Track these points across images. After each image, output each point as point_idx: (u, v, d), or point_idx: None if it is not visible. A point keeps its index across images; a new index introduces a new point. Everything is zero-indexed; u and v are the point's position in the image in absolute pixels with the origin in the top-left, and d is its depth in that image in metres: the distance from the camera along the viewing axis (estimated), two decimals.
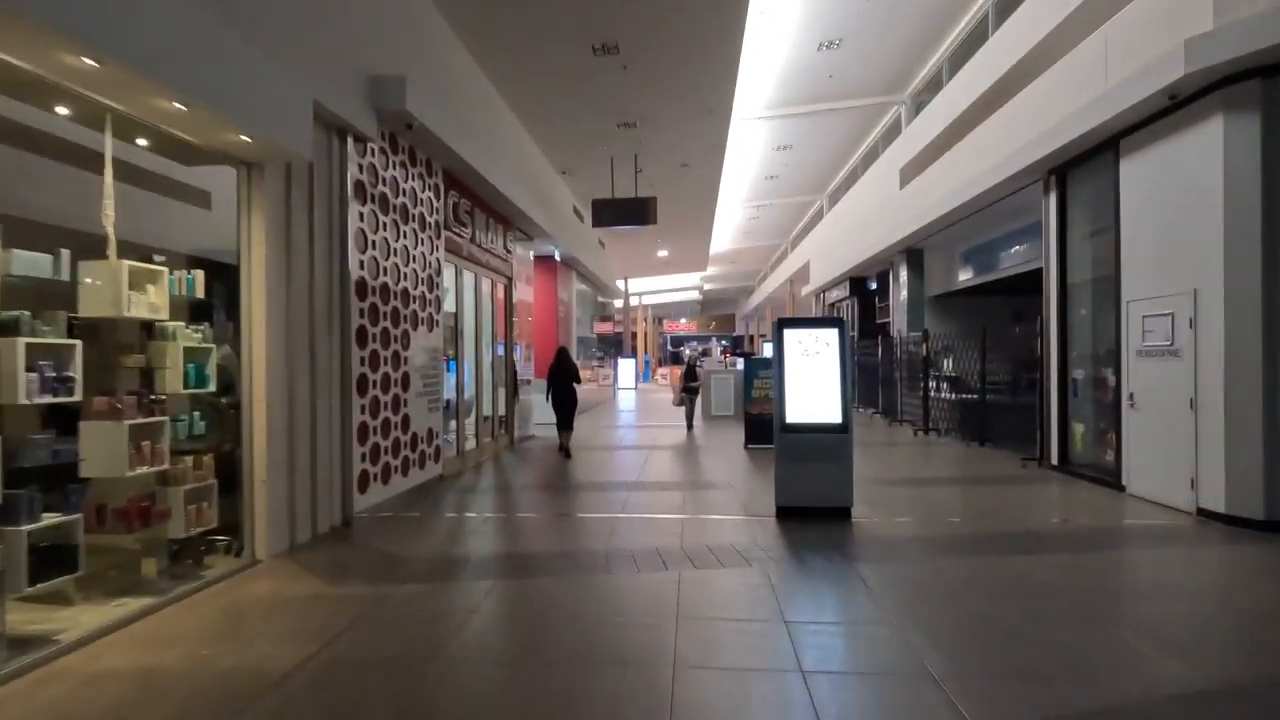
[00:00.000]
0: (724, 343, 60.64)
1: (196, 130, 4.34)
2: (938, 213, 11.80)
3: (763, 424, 10.56)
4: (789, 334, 6.25)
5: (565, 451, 10.65)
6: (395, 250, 6.88)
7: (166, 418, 4.26)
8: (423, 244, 7.56)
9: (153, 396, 4.21)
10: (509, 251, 10.94)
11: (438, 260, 7.98)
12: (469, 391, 9.45)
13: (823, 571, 4.62)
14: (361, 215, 6.22)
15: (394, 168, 6.90)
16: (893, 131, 15.81)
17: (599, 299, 24.60)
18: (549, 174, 13.83)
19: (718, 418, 15.51)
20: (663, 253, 25.94)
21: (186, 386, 4.42)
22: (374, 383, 6.42)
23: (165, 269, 4.27)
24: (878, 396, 15.87)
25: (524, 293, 12.41)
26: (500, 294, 10.89)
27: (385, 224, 6.68)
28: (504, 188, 9.40)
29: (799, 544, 5.25)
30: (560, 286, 15.00)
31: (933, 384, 12.76)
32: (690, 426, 12.86)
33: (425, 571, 4.69)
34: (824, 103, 14.50)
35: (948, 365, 13.26)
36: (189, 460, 4.46)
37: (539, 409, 14.16)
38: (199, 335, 4.57)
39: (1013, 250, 11.96)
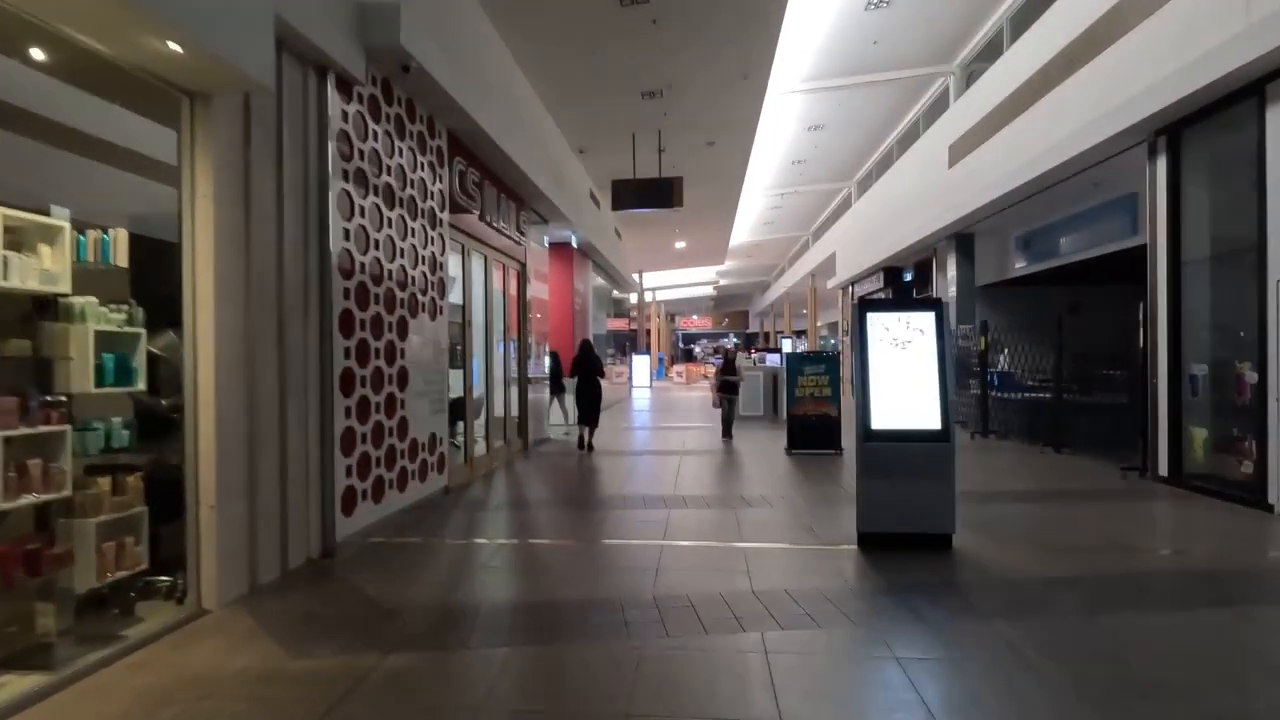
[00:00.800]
0: (734, 340, 59.62)
1: (110, 35, 3.19)
2: (999, 191, 10.55)
3: (808, 427, 9.39)
4: (873, 319, 5.05)
5: (588, 447, 9.75)
6: (389, 220, 5.73)
7: (68, 426, 3.13)
8: (423, 215, 6.41)
9: (48, 398, 3.08)
10: (522, 234, 9.79)
11: (441, 237, 6.83)
12: (478, 390, 8.31)
13: (954, 634, 3.43)
14: (347, 174, 5.07)
15: (388, 121, 5.75)
16: (937, 107, 14.55)
17: (613, 294, 23.43)
18: (565, 152, 12.66)
19: (746, 419, 14.30)
20: (680, 244, 24.75)
21: (101, 384, 3.29)
22: (363, 380, 5.27)
23: (65, 224, 3.14)
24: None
25: (538, 282, 11.26)
26: (513, 282, 9.74)
27: (377, 187, 5.54)
28: (517, 157, 8.24)
29: (903, 587, 4.06)
30: (577, 277, 13.86)
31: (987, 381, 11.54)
32: (728, 433, 11.09)
33: (420, 632, 3.52)
34: (865, 74, 13.26)
35: (1003, 360, 12.03)
36: (103, 483, 3.33)
37: (556, 407, 13.04)
38: (121, 316, 3.43)
39: (1079, 233, 10.71)
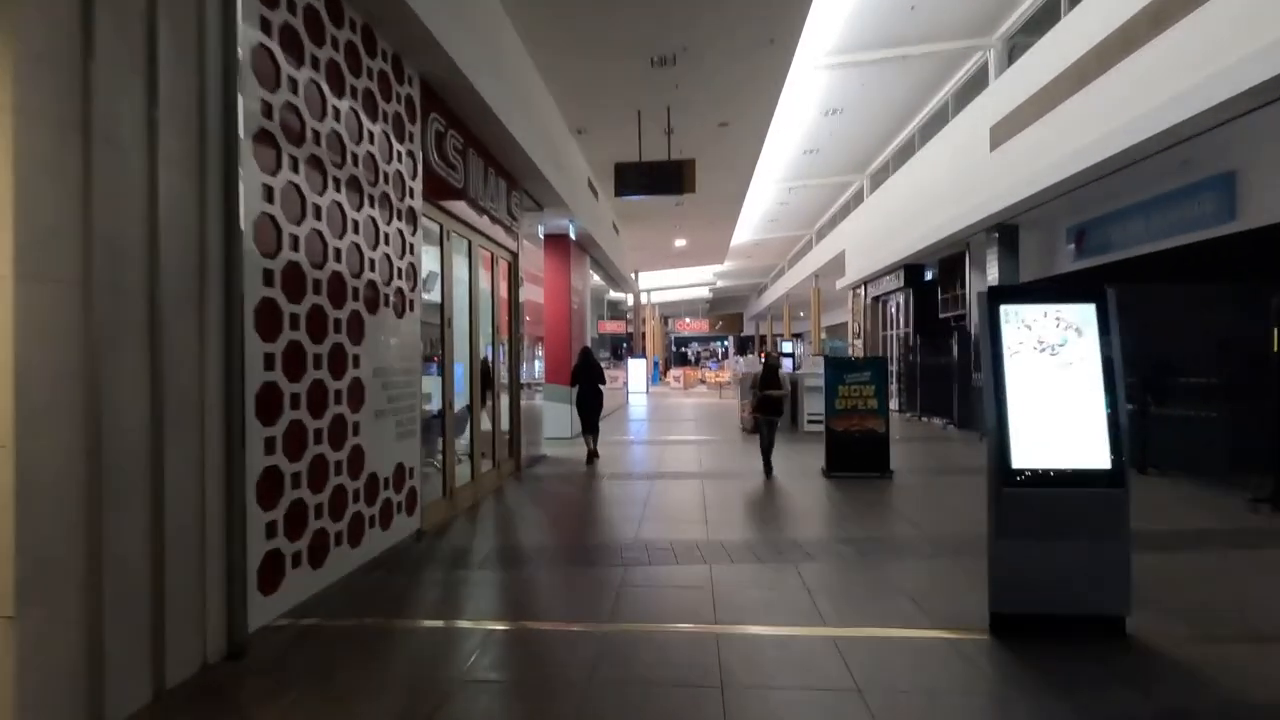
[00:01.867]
0: (725, 344, 58.31)
1: None
2: (1058, 175, 9.25)
3: (850, 445, 7.97)
4: (1009, 313, 3.64)
5: (593, 455, 9.00)
6: (337, 183, 4.27)
7: None
8: (387, 182, 4.95)
9: None
10: (514, 219, 8.33)
11: (411, 212, 5.37)
12: (462, 402, 6.85)
13: None
14: (269, 109, 3.61)
15: (335, 47, 4.29)
16: (970, 88, 13.24)
17: (607, 296, 21.92)
18: (562, 132, 11.21)
19: None
20: (680, 242, 23.36)
21: None
22: (294, 399, 3.79)
23: None
24: (951, 404, 13.29)
25: (532, 285, 9.80)
26: (504, 275, 8.29)
27: (319, 135, 4.06)
28: (509, 122, 6.80)
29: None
30: (574, 273, 12.40)
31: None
32: (769, 469, 8.08)
33: None
34: (897, 47, 11.93)
35: None
36: None
37: (552, 419, 11.59)
38: None
39: (1152, 220, 9.40)
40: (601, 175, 13.16)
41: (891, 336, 18.61)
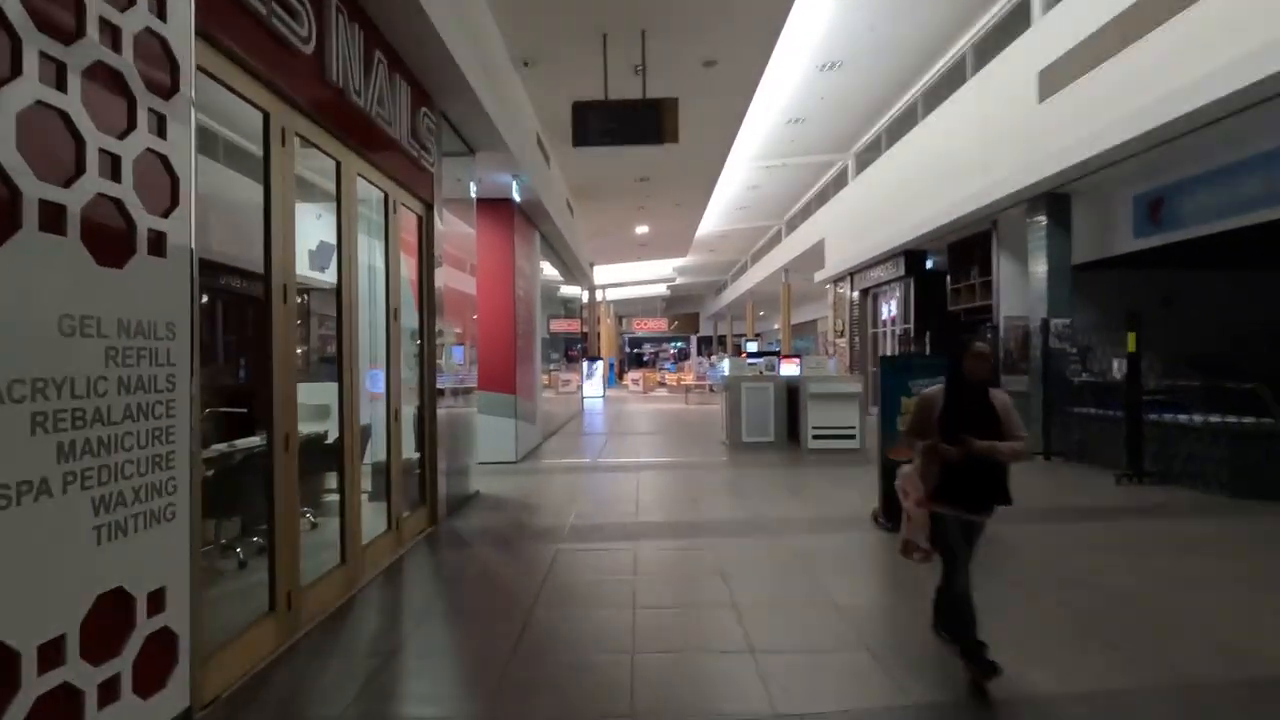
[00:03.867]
0: (679, 345, 56.08)
1: None
2: (1149, 123, 7.12)
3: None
4: None
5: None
6: None
7: None
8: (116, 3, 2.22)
9: None
10: (424, 150, 5.59)
11: (170, 78, 2.62)
12: (363, 421, 4.14)
13: None
14: None
15: None
16: (1004, 31, 11.05)
17: (559, 292, 19.04)
18: (504, 62, 8.51)
19: (754, 446, 10.50)
20: (642, 228, 20.83)
21: None
22: None
23: None
24: None
25: (460, 248, 7.10)
26: (410, 229, 5.57)
27: None
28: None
29: None
30: (520, 249, 9.71)
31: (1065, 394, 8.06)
32: (985, 668, 3.05)
33: None
34: None
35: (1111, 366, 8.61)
36: None
37: (492, 438, 8.90)
38: None
39: (1250, 184, 7.36)
40: (556, 134, 10.52)
41: (885, 334, 16.50)
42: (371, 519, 4.72)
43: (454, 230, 6.84)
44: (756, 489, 7.37)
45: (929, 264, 14.47)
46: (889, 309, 16.06)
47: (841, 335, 18.84)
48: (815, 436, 9.92)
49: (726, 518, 5.96)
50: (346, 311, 4.21)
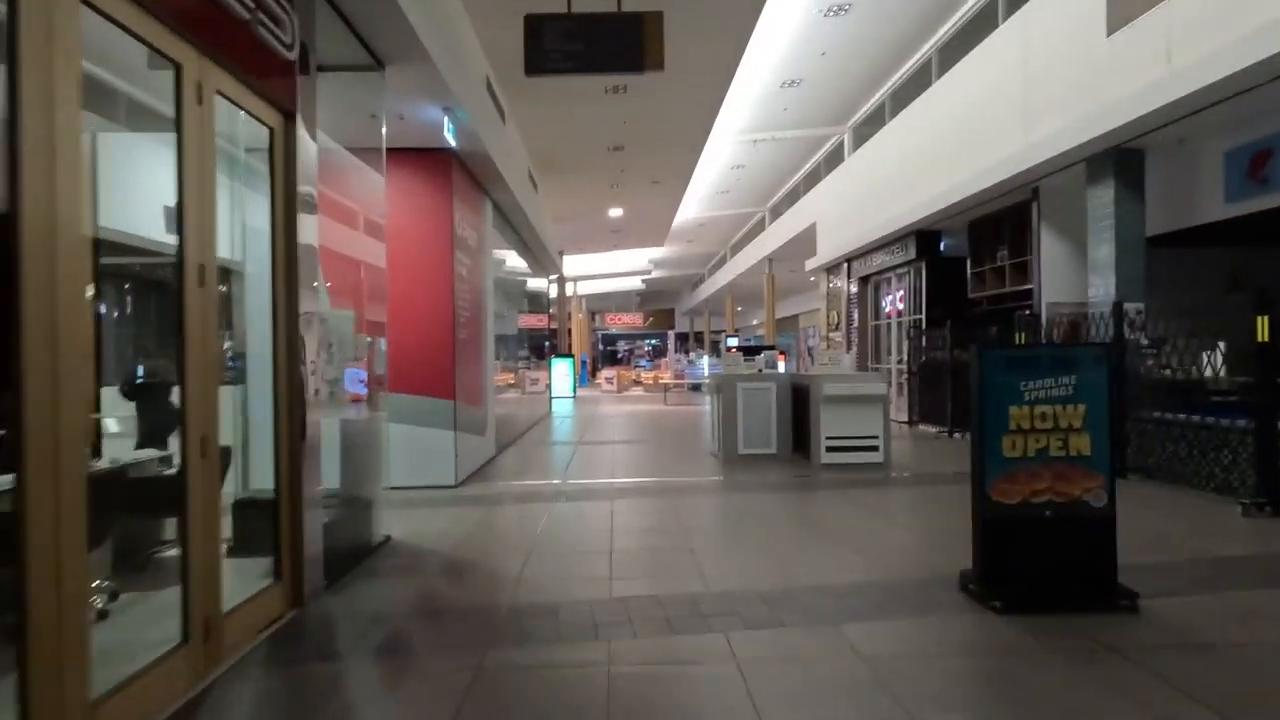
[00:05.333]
0: (653, 342, 54.17)
1: None
2: (1260, 52, 5.40)
3: (1038, 537, 3.65)
4: None
5: None
6: None
7: None
8: None
9: None
10: (274, 23, 3.55)
11: None
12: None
13: None
14: None
15: None
16: None
17: (528, 286, 16.86)
18: None
19: (752, 459, 8.63)
20: (616, 211, 18.86)
21: None
22: None
23: None
24: None
25: (346, 198, 5.09)
26: (268, 148, 3.55)
27: None
28: None
29: None
30: (461, 217, 7.67)
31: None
32: None
33: None
34: None
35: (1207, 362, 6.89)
36: None
37: (422, 455, 6.92)
38: None
39: None
40: (508, 74, 8.52)
41: (887, 327, 14.78)
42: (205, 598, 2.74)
43: (353, 176, 4.82)
44: (770, 526, 5.47)
45: (943, 247, 12.77)
46: (893, 299, 14.34)
47: (836, 329, 17.10)
48: (830, 449, 8.08)
49: (741, 586, 4.04)
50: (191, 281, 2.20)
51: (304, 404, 3.76)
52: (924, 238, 12.48)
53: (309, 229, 3.88)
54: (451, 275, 7.22)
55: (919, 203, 11.68)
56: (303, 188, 3.81)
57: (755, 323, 45.76)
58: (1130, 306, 7.36)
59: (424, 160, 7.06)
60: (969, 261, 11.50)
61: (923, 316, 12.73)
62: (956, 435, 10.77)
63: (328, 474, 4.11)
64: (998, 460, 3.70)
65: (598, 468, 8.51)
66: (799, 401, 8.72)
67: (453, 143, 6.81)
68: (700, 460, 8.97)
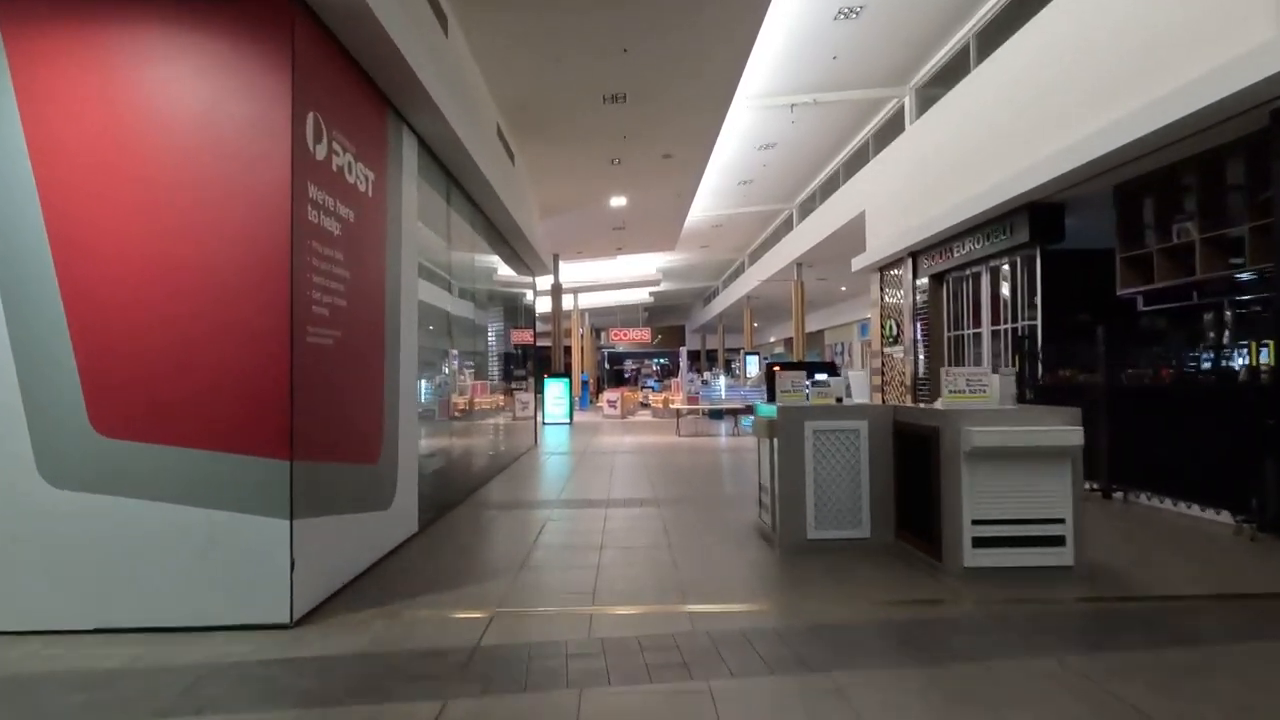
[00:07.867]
0: (661, 361, 50.63)
1: None
2: None
3: None
4: None
5: None
6: None
7: None
8: None
9: None
10: None
11: None
12: None
13: None
14: None
15: None
16: None
17: (524, 301, 13.29)
18: None
19: (830, 546, 5.14)
20: (618, 200, 15.53)
21: None
22: None
23: None
24: (1222, 473, 5.90)
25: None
26: None
27: None
28: None
29: None
30: (323, 123, 4.29)
31: None
32: None
33: None
34: None
35: None
36: None
37: (186, 565, 3.36)
38: None
39: None
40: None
41: (972, 338, 11.28)
42: None
43: None
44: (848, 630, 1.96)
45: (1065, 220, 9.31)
46: (985, 300, 10.86)
47: (895, 341, 13.61)
48: (980, 541, 4.58)
49: None
50: None
51: None
52: (1041, 214, 9.02)
53: None
54: (290, 226, 3.81)
55: (1034, 163, 8.28)
56: None
57: (772, 339, 42.26)
58: None
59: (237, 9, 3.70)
60: (1120, 244, 8.02)
61: (1038, 322, 9.24)
62: (1117, 494, 7.24)
63: None
64: None
65: (572, 566, 5.01)
66: (907, 454, 5.24)
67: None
68: (743, 549, 5.47)
